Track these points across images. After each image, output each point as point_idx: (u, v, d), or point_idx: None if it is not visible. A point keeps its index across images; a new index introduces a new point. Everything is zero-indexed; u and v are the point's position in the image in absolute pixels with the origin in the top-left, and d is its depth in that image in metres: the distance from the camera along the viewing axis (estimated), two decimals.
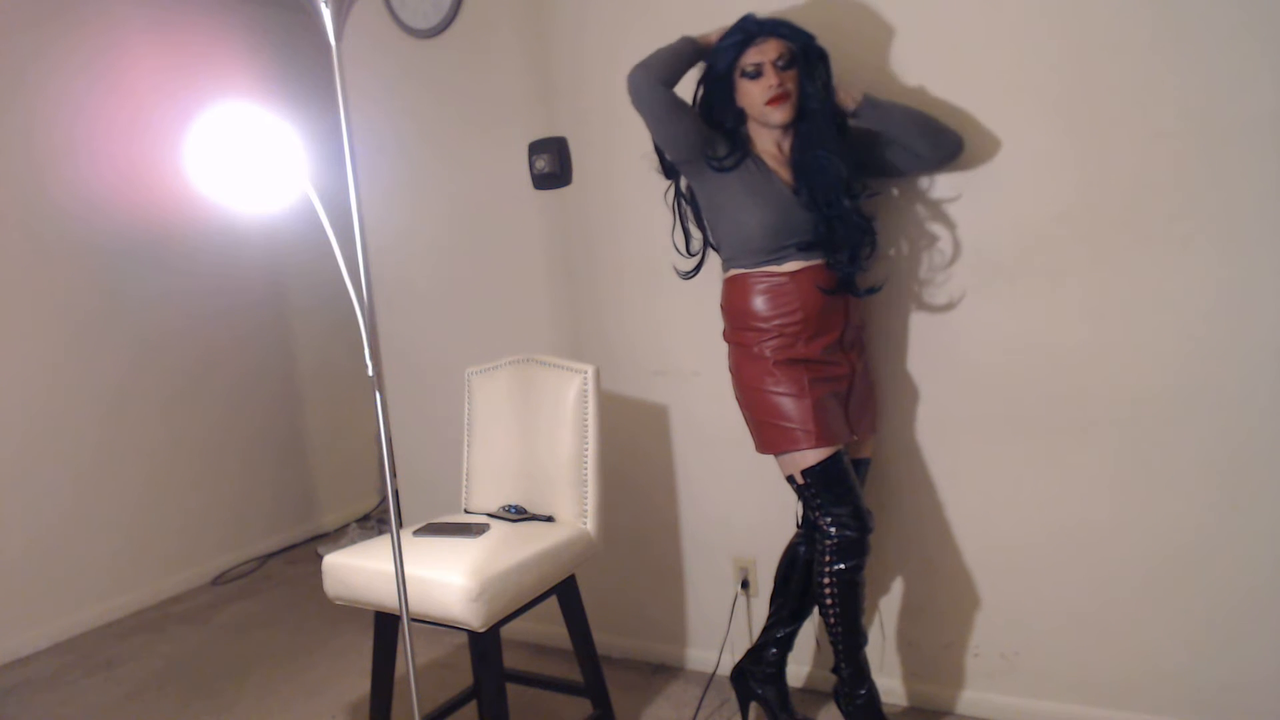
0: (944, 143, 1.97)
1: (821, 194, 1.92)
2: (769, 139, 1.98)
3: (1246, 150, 1.80)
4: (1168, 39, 1.84)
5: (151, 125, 3.52)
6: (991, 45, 2.00)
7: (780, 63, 1.89)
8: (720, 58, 1.93)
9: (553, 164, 2.58)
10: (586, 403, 2.13)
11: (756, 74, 1.90)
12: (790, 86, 1.90)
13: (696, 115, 1.97)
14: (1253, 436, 1.87)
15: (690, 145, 1.94)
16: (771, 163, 1.97)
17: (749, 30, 1.90)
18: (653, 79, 1.91)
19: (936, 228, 2.11)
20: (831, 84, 1.95)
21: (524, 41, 2.61)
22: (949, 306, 2.12)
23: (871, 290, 2.06)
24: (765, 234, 1.93)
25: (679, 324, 2.48)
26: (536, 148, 2.61)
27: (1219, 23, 1.79)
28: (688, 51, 1.96)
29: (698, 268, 2.15)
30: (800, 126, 1.95)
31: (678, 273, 2.20)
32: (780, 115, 1.91)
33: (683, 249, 2.26)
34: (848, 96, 1.93)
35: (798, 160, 1.95)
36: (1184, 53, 1.83)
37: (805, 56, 1.91)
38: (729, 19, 1.95)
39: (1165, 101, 1.86)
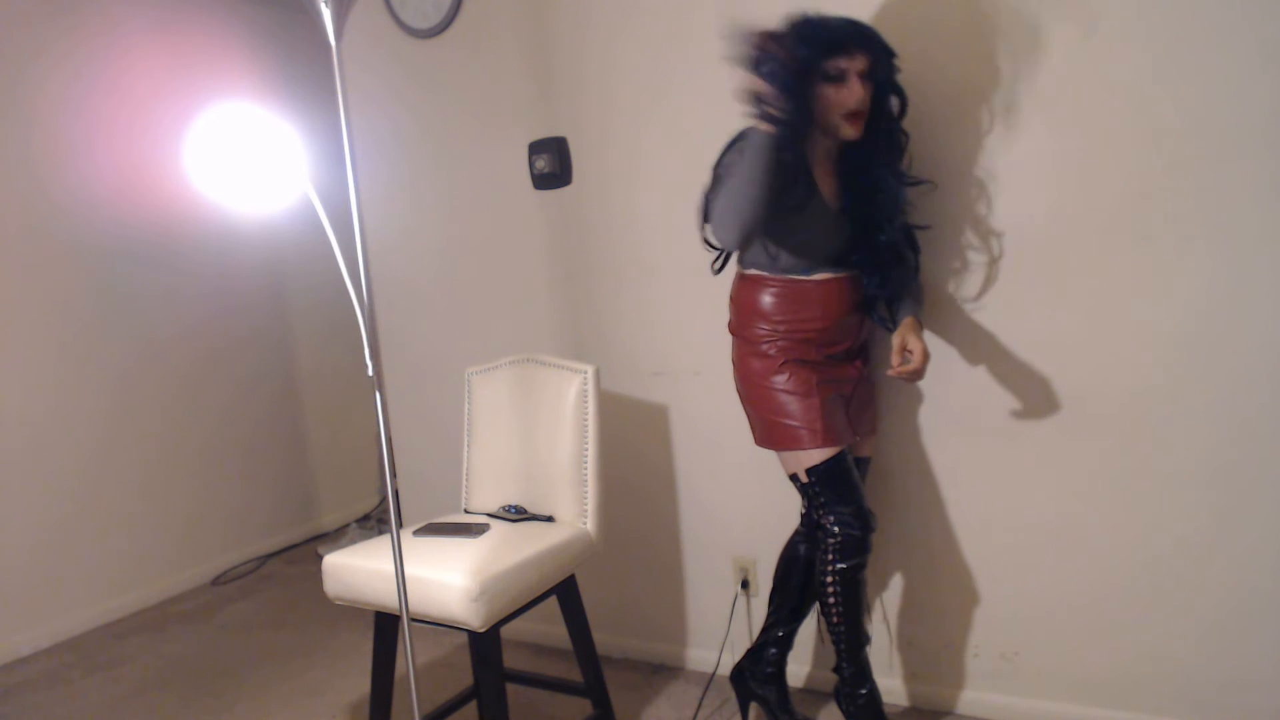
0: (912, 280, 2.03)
1: (878, 213, 1.88)
2: (820, 146, 1.90)
3: (1246, 150, 1.80)
4: (1167, 38, 1.84)
5: (151, 125, 3.52)
6: (991, 45, 2.00)
7: (864, 76, 1.77)
8: (802, 58, 1.72)
9: (553, 164, 2.58)
10: (586, 403, 2.13)
11: (839, 78, 1.77)
12: (868, 105, 1.81)
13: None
14: (1252, 435, 1.87)
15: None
16: (816, 171, 1.90)
17: (847, 35, 1.76)
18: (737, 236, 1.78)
19: (937, 230, 2.10)
20: (905, 106, 1.88)
21: (524, 41, 2.61)
22: (949, 307, 2.12)
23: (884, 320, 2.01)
24: (799, 250, 1.90)
25: (678, 324, 2.48)
26: (536, 148, 2.61)
27: (1219, 22, 1.79)
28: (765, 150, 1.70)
29: (724, 263, 2.09)
30: (864, 143, 1.85)
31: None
32: (854, 132, 1.81)
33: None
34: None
35: (851, 175, 1.90)
36: (1184, 52, 1.83)
37: (886, 75, 1.83)
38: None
39: (1165, 101, 1.86)
